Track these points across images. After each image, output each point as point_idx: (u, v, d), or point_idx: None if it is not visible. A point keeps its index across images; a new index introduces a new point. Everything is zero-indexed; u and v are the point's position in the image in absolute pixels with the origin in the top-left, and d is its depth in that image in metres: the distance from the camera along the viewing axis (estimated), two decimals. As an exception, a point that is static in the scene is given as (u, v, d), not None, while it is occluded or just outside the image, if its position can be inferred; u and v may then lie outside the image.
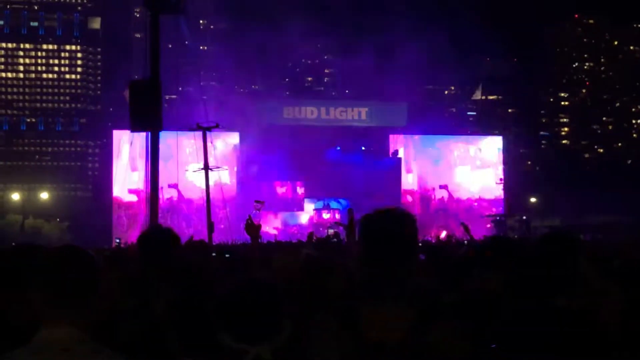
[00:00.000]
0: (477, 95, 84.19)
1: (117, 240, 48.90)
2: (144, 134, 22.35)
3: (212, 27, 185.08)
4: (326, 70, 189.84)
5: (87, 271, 3.13)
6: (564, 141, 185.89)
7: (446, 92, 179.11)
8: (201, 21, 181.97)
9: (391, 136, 61.46)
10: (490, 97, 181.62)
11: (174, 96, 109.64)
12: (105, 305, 3.99)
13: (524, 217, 56.05)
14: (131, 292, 4.71)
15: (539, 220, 67.48)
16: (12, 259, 3.87)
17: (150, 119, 22.84)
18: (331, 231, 40.85)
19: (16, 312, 3.62)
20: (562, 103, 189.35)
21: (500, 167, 63.86)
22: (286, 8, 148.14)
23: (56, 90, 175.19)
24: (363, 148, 60.68)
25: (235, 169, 58.15)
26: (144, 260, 4.76)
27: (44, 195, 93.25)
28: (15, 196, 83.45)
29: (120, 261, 8.80)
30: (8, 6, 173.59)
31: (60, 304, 3.04)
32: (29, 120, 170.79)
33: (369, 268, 3.40)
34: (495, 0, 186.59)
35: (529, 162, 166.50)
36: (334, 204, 58.46)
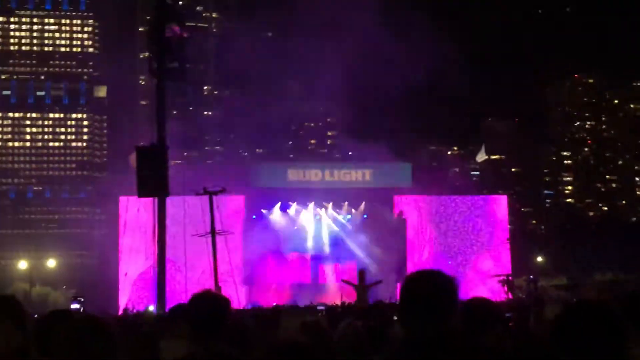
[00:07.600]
0: (481, 156, 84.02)
1: (125, 308, 48.57)
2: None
3: (215, 92, 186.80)
4: (329, 133, 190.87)
5: (108, 340, 3.56)
6: (568, 200, 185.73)
7: (449, 152, 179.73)
8: (205, 87, 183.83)
9: (396, 197, 61.19)
10: (493, 157, 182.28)
11: (179, 161, 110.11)
12: None
13: (531, 277, 55.58)
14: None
15: (545, 279, 67.23)
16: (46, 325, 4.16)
17: (157, 185, 23.16)
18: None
19: None
20: (565, 162, 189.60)
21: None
22: (288, 72, 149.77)
23: (62, 158, 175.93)
24: (365, 216, 60.67)
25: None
26: (196, 326, 4.71)
27: (51, 263, 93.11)
28: (22, 264, 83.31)
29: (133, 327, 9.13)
30: (15, 77, 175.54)
31: None
32: (35, 188, 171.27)
33: (406, 327, 3.44)
34: (496, 61, 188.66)
35: (534, 221, 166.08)
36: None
